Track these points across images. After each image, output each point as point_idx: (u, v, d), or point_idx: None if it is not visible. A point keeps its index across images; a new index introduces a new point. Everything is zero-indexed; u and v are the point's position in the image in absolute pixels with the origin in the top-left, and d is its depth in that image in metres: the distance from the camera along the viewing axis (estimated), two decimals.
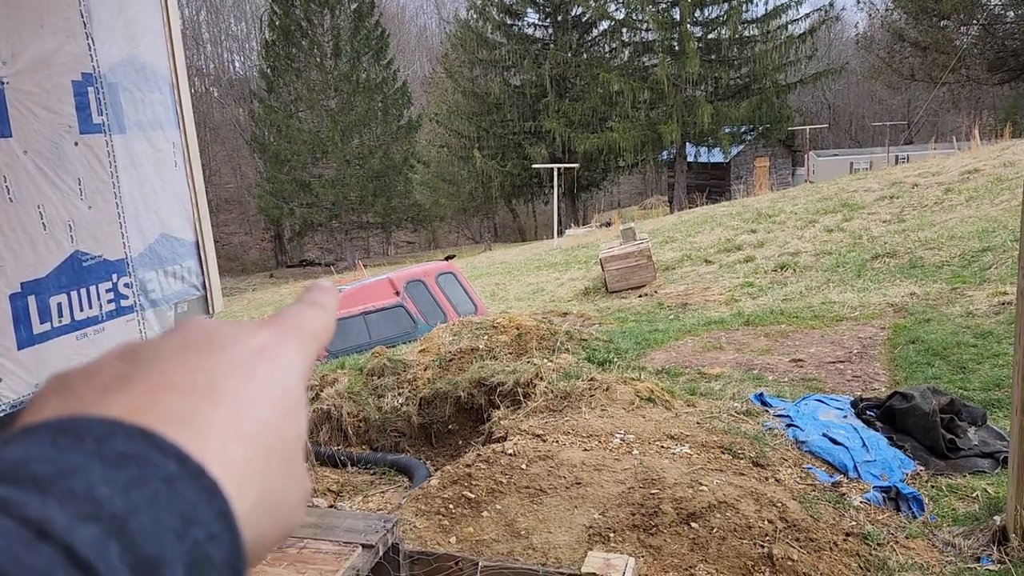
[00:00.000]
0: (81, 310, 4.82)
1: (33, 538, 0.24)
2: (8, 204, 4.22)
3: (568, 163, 33.73)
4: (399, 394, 6.58)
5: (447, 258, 12.54)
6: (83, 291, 4.78)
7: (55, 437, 0.28)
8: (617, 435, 4.84)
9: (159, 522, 0.27)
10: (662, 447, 4.69)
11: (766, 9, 37.20)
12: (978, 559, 3.74)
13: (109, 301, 5.07)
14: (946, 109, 47.87)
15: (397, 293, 10.70)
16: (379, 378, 6.83)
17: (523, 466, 4.36)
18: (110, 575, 0.25)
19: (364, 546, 2.35)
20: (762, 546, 3.62)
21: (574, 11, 40.27)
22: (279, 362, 0.36)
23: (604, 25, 39.85)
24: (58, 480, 0.26)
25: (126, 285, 5.18)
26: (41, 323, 4.54)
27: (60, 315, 4.65)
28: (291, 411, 0.35)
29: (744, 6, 36.25)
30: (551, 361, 6.29)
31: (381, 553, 2.42)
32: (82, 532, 0.25)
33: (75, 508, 0.26)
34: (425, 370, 6.72)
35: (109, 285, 5.00)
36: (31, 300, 4.46)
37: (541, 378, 5.87)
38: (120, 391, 0.31)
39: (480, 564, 2.54)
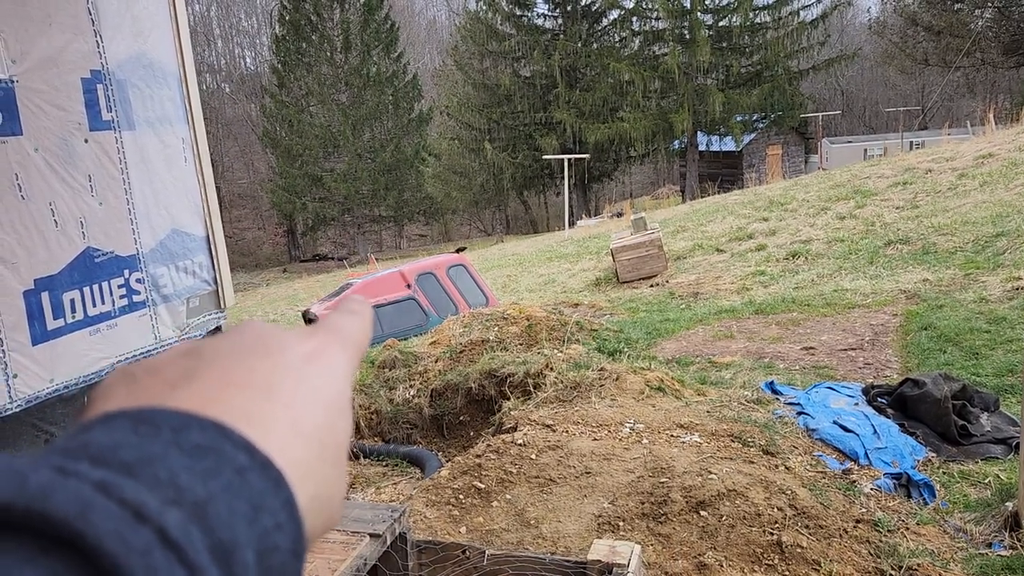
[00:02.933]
0: (94, 306, 4.87)
1: (133, 520, 0.26)
2: (20, 202, 4.27)
3: (579, 154, 33.64)
4: (410, 386, 6.61)
5: (458, 250, 12.56)
6: (95, 287, 4.83)
7: (136, 426, 0.30)
8: (627, 425, 4.85)
9: (232, 509, 0.29)
10: (672, 436, 4.69)
11: None
12: (990, 545, 3.73)
13: (121, 297, 5.11)
14: (961, 94, 47.37)
15: (408, 286, 10.73)
16: (390, 370, 6.86)
17: (533, 456, 4.38)
18: (196, 556, 0.27)
19: (372, 535, 2.37)
20: (771, 533, 3.63)
21: (583, 1, 40.11)
22: (328, 366, 0.38)
23: (614, 14, 39.64)
24: (144, 466, 0.28)
25: (138, 280, 5.23)
26: (55, 319, 4.59)
27: (73, 311, 4.70)
28: (340, 413, 0.37)
29: None
30: (561, 352, 6.30)
31: (389, 542, 2.45)
32: (170, 515, 0.27)
33: (161, 493, 0.28)
34: (436, 362, 6.75)
35: (121, 281, 5.05)
36: (44, 297, 4.51)
37: (551, 368, 5.89)
38: (186, 386, 0.33)
39: (487, 553, 2.56)
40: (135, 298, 5.23)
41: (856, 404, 5.39)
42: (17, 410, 4.45)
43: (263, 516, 0.30)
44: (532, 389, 5.76)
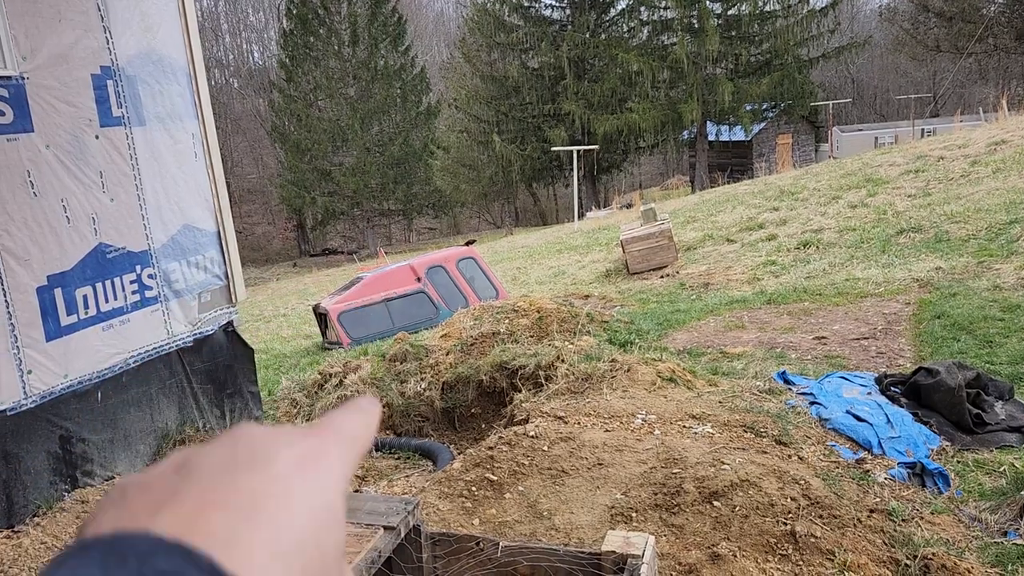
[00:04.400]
0: (106, 301, 4.90)
1: None
2: (32, 199, 4.29)
3: (588, 145, 33.56)
4: (422, 379, 6.62)
5: (467, 243, 12.56)
6: (108, 283, 4.85)
7: (104, 559, 0.30)
8: (639, 416, 4.84)
9: None
10: (684, 427, 4.69)
11: None
12: (1005, 534, 3.71)
13: (133, 292, 5.14)
14: (973, 80, 46.95)
15: (418, 279, 10.75)
16: (401, 364, 6.87)
17: (545, 448, 4.38)
18: None
19: (385, 528, 2.38)
20: (785, 523, 3.62)
21: None
22: (320, 474, 0.38)
23: (622, 4, 39.48)
24: None
25: (150, 276, 5.25)
26: (68, 315, 4.62)
27: (86, 307, 4.73)
28: (329, 523, 0.37)
29: None
30: (572, 343, 6.29)
31: (403, 534, 2.45)
32: None
33: None
34: (447, 355, 6.76)
35: (133, 276, 5.07)
36: (57, 293, 4.54)
37: (562, 360, 5.88)
38: (169, 508, 0.34)
39: (501, 544, 2.56)
40: (147, 294, 5.25)
41: (869, 393, 5.37)
42: (32, 406, 4.48)
43: None
44: (543, 381, 5.76)
